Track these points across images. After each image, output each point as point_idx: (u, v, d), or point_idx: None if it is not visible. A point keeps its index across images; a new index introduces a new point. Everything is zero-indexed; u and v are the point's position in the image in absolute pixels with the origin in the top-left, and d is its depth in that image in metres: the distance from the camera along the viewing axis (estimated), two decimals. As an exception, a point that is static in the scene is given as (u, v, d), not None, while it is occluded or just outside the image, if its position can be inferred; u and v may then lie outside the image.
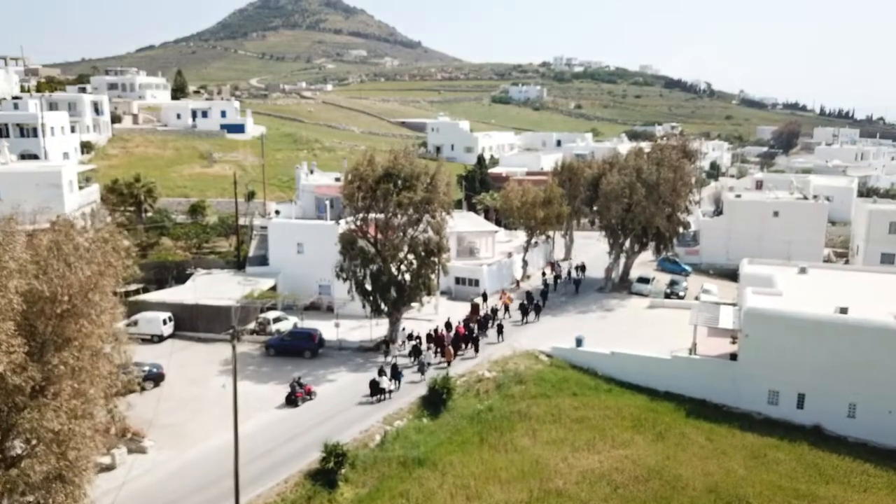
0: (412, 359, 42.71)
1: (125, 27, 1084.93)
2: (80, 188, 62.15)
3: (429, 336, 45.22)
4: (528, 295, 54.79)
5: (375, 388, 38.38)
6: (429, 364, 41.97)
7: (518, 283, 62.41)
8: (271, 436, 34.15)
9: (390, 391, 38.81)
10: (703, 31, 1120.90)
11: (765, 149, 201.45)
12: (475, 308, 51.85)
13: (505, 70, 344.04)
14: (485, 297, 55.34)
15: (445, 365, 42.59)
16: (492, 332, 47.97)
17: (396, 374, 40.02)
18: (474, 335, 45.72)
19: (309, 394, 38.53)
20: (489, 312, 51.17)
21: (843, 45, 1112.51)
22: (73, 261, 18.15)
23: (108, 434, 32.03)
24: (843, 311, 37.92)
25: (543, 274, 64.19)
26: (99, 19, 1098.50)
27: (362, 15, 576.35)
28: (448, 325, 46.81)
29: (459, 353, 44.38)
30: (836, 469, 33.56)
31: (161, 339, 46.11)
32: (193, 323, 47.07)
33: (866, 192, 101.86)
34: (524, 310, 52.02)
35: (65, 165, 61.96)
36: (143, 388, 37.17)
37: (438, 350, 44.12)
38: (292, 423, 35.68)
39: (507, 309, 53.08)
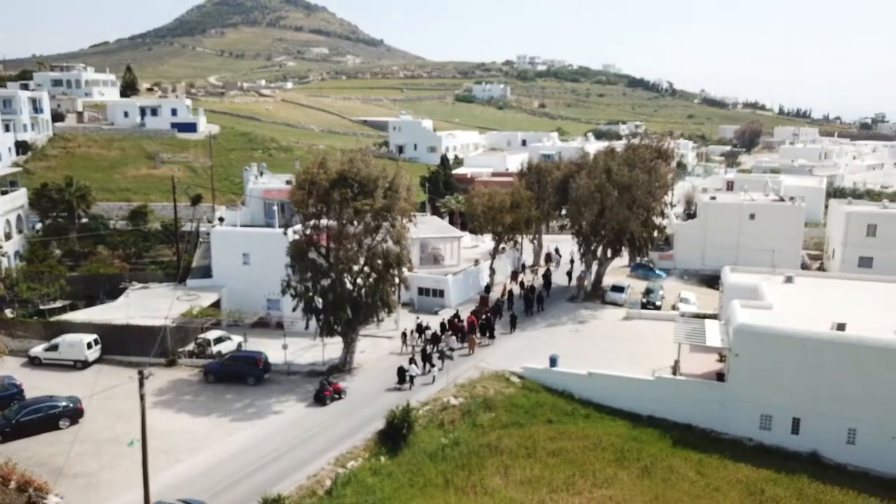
0: (433, 346, 43.14)
1: (79, 24, 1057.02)
2: (3, 193, 56.45)
3: (442, 325, 46.35)
4: (532, 288, 55.21)
5: (402, 376, 39.09)
6: (451, 349, 43.47)
7: (516, 274, 61.94)
8: (213, 481, 29.48)
9: (416, 376, 39.49)
10: (664, 29, 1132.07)
11: (728, 148, 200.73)
12: (484, 300, 53.68)
13: (468, 69, 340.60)
14: (488, 289, 56.53)
15: (468, 353, 43.81)
16: (504, 323, 49.10)
17: (427, 358, 40.82)
18: (490, 323, 47.10)
19: (338, 392, 37.62)
20: (499, 301, 52.38)
21: (799, 45, 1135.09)
22: None
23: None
24: (841, 327, 34.65)
25: (533, 272, 63.71)
26: (52, 16, 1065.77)
27: (324, 12, 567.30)
28: (457, 317, 47.53)
29: (477, 340, 45.19)
30: (841, 505, 30.26)
31: (85, 364, 40.84)
32: (123, 345, 41.76)
33: (833, 192, 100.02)
34: (528, 301, 53.11)
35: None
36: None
37: (458, 337, 45.30)
38: (236, 465, 31.02)
39: (510, 299, 53.37)
